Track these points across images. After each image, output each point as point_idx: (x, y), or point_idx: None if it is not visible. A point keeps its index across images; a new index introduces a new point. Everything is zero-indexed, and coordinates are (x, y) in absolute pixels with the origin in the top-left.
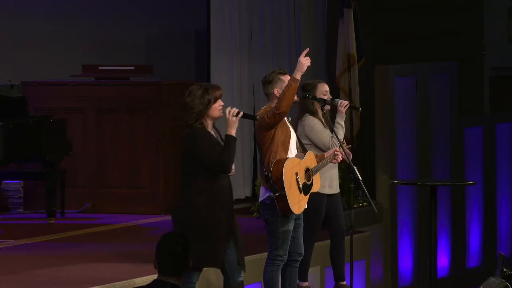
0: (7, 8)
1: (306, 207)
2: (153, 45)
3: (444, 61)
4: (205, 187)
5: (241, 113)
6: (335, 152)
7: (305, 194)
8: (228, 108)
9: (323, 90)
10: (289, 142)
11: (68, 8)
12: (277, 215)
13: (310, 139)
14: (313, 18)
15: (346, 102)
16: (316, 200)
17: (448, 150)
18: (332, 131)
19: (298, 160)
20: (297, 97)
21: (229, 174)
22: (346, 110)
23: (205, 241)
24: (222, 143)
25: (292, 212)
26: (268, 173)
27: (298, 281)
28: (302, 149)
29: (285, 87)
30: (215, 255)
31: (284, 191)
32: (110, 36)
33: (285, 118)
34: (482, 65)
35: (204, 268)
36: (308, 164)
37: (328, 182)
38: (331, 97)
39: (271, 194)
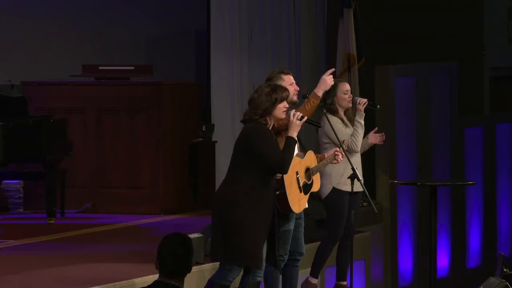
0: (7, 8)
1: (306, 206)
2: (153, 45)
3: (444, 61)
4: (254, 185)
5: (305, 118)
6: (335, 152)
7: (305, 194)
8: (293, 111)
9: (344, 89)
10: None
11: (68, 8)
12: (277, 215)
13: (330, 138)
14: (313, 18)
15: (365, 100)
16: (336, 198)
17: (448, 150)
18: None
19: (298, 159)
20: (296, 97)
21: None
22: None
23: (250, 239)
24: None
25: (292, 211)
26: None
27: (309, 276)
28: (302, 148)
29: (305, 102)
30: (259, 255)
31: (285, 189)
32: (110, 36)
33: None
34: (482, 65)
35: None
36: (308, 163)
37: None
38: (352, 96)
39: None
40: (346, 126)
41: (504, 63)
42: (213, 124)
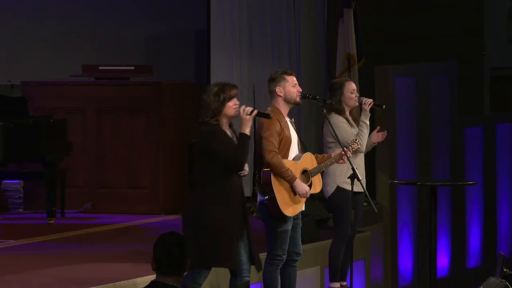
0: (8, 8)
1: (303, 209)
2: (153, 45)
3: (444, 61)
4: (219, 186)
5: (255, 111)
6: (342, 152)
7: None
8: (243, 107)
9: (350, 88)
10: (288, 149)
11: (68, 8)
12: (275, 215)
13: (335, 138)
14: (313, 18)
15: (370, 100)
16: (340, 196)
17: (448, 150)
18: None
19: (292, 162)
20: (300, 98)
21: (242, 174)
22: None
23: (219, 240)
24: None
25: (284, 215)
26: (259, 175)
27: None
28: (303, 150)
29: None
30: (230, 255)
31: (273, 193)
32: (110, 36)
33: (288, 120)
34: (482, 65)
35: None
36: (305, 165)
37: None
38: (358, 95)
39: (263, 197)
40: (351, 126)
41: (504, 63)
42: None
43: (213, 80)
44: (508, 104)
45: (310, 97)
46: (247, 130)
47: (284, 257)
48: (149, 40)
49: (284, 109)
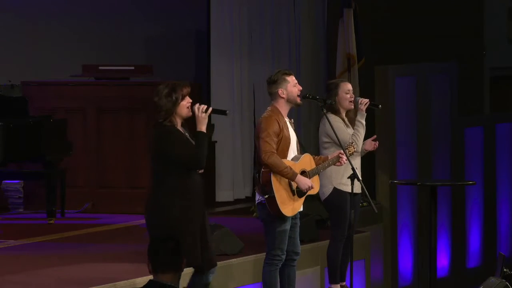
0: (7, 8)
1: (301, 209)
2: (153, 45)
3: (444, 61)
4: (178, 186)
5: (210, 109)
6: (340, 154)
7: (300, 196)
8: (197, 105)
9: (346, 89)
10: (287, 149)
11: (68, 8)
12: (273, 215)
13: (331, 138)
14: (313, 18)
15: (366, 100)
16: (337, 198)
17: (448, 150)
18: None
19: (291, 162)
20: (300, 98)
21: (201, 171)
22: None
23: (183, 241)
24: (192, 141)
25: (283, 215)
26: (259, 175)
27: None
28: (302, 151)
29: None
30: (194, 253)
31: (273, 193)
32: (110, 36)
33: (287, 120)
34: (482, 65)
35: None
36: (304, 166)
37: (349, 180)
38: (353, 96)
39: (262, 197)
40: (347, 126)
41: (504, 63)
42: (213, 124)
43: (213, 80)
44: (508, 104)
45: (310, 97)
46: (203, 128)
47: (283, 257)
48: (149, 40)
49: (284, 109)
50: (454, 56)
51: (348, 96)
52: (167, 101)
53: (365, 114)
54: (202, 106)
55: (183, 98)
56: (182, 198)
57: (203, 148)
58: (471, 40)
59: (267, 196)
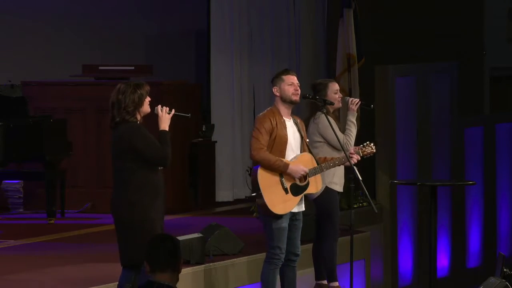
0: (7, 8)
1: (303, 209)
2: (153, 45)
3: (444, 61)
4: (145, 182)
5: (173, 111)
6: (351, 154)
7: (295, 195)
8: (159, 106)
9: (334, 89)
10: (285, 149)
11: (68, 8)
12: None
13: (323, 137)
14: (313, 18)
15: (357, 100)
16: (328, 196)
17: (448, 150)
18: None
19: (286, 160)
20: (295, 97)
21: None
22: (345, 110)
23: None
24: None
25: (273, 213)
26: (250, 175)
27: (329, 283)
28: (309, 150)
29: None
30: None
31: (260, 191)
32: (110, 36)
33: (287, 120)
34: (482, 65)
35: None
36: (301, 165)
37: (338, 179)
38: (341, 96)
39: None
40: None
41: (504, 63)
42: (213, 124)
43: (213, 80)
44: (508, 104)
45: (310, 97)
46: (166, 127)
47: (282, 256)
48: (149, 40)
49: (282, 108)
50: (454, 56)
51: (337, 96)
52: (134, 97)
53: (356, 113)
54: (166, 107)
55: (146, 96)
56: (149, 196)
57: (168, 146)
58: (471, 40)
59: (254, 194)
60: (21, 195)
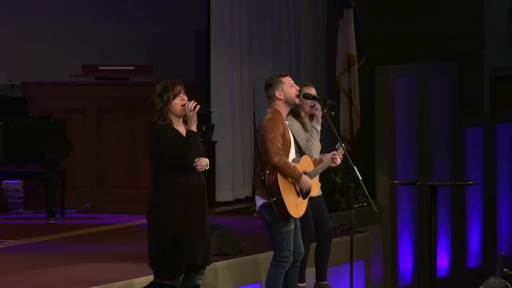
0: (7, 8)
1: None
2: (153, 45)
3: (444, 61)
4: (169, 186)
5: (198, 106)
6: (333, 155)
7: (304, 198)
8: (188, 103)
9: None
10: (289, 152)
11: (68, 8)
12: (278, 217)
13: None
14: (313, 18)
15: (318, 106)
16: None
17: (448, 150)
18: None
19: (294, 164)
20: (298, 99)
21: (201, 169)
22: (345, 110)
23: (189, 238)
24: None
25: (291, 216)
26: (265, 178)
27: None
28: (299, 152)
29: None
30: (200, 251)
31: (281, 195)
32: (110, 36)
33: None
34: (482, 65)
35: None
36: (305, 168)
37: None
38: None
39: (266, 200)
40: (305, 131)
41: (504, 63)
42: (213, 124)
43: (213, 80)
44: (508, 104)
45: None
46: (192, 127)
47: (291, 258)
48: (149, 40)
49: (284, 111)
50: (454, 56)
51: (309, 101)
52: (159, 101)
53: (321, 120)
54: (191, 104)
55: (175, 97)
56: (172, 200)
57: (190, 146)
58: (471, 40)
59: (274, 198)
60: (21, 195)
